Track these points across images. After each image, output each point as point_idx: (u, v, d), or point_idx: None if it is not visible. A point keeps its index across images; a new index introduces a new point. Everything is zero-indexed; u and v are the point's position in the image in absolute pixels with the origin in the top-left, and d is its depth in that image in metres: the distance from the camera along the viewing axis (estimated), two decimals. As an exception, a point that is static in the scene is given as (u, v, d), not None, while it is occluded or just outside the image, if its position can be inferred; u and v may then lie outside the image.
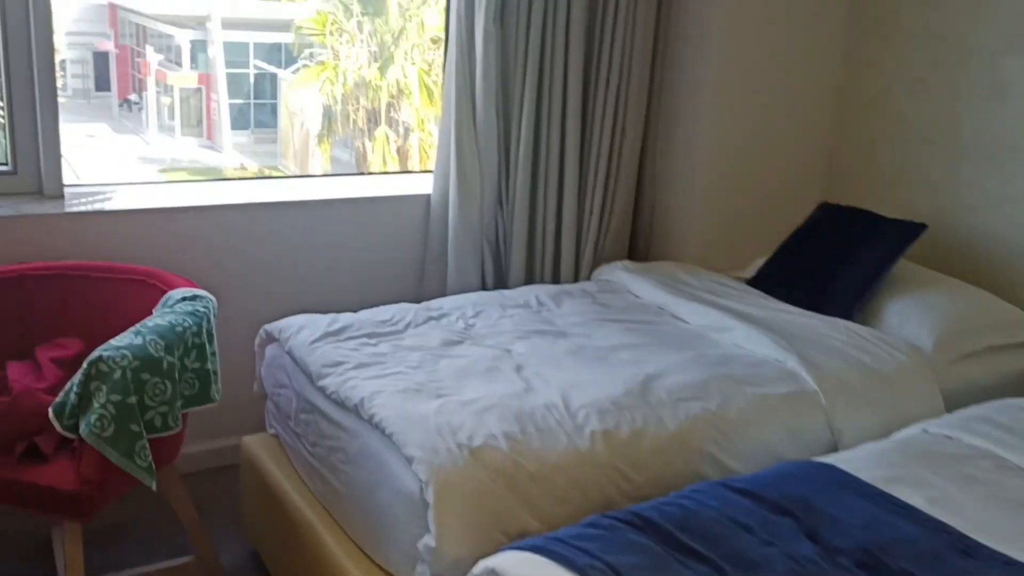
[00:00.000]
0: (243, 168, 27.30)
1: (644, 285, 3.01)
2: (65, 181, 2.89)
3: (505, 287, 3.23)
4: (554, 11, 3.06)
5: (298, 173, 23.46)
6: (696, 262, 3.28)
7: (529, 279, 3.27)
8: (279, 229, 3.02)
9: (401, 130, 18.09)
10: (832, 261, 2.97)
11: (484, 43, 3.01)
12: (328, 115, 18.44)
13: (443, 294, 3.20)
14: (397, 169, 17.41)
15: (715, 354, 2.56)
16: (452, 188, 3.13)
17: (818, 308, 2.86)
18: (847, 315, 2.82)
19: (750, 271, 3.22)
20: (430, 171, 3.45)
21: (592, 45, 3.18)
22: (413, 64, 17.39)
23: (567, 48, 3.11)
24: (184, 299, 2.29)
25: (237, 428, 2.96)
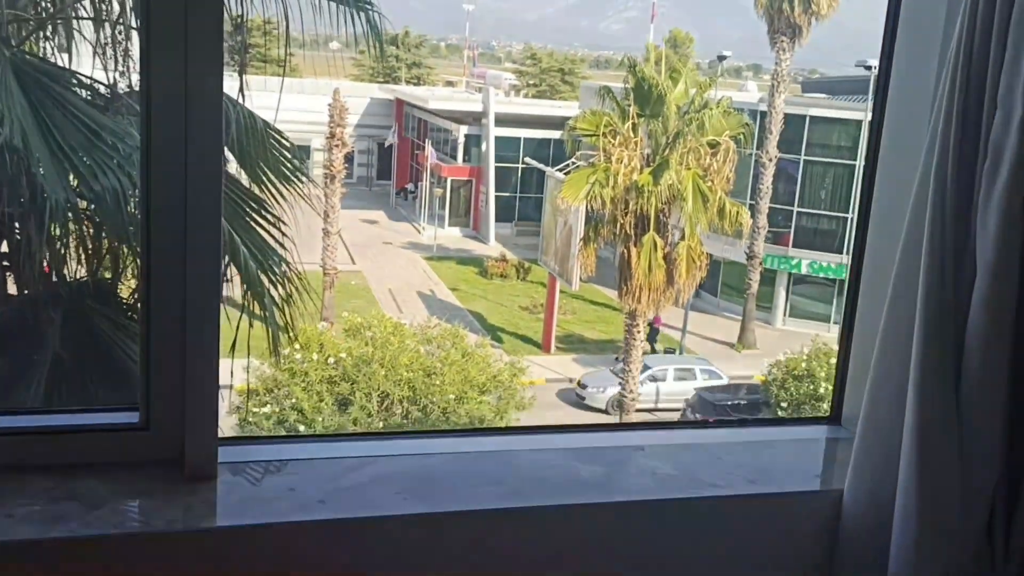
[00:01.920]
0: (504, 259, 27.43)
1: None
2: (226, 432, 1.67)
3: None
4: None
5: (569, 278, 22.48)
6: None
7: None
8: (550, 552, 1.61)
9: (671, 236, 16.73)
10: None
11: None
12: (595, 218, 17.43)
13: None
14: (664, 275, 15.87)
15: None
16: (902, 494, 1.59)
17: None
18: None
19: None
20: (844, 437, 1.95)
21: None
22: (688, 169, 16.04)
23: None
24: None
25: None
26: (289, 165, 6.18)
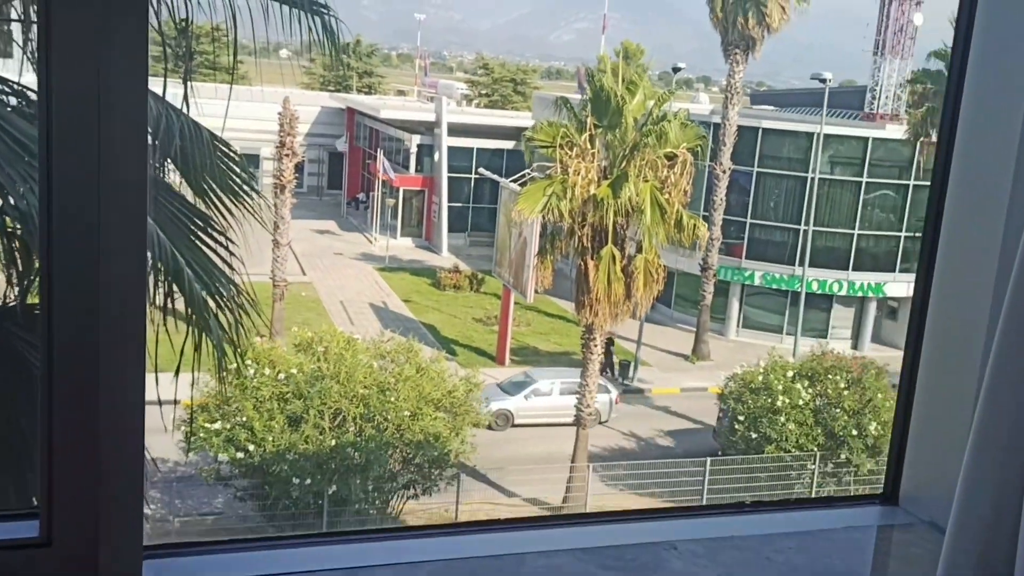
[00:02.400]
0: (457, 270, 26.99)
1: None
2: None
3: None
4: None
5: (520, 286, 22.44)
6: None
7: None
8: None
9: (628, 249, 16.48)
10: None
11: None
12: (552, 230, 17.10)
13: None
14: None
15: None
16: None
17: None
18: None
19: None
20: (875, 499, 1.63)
21: None
22: (646, 181, 15.81)
23: None
24: None
25: None
26: (237, 179, 5.76)
